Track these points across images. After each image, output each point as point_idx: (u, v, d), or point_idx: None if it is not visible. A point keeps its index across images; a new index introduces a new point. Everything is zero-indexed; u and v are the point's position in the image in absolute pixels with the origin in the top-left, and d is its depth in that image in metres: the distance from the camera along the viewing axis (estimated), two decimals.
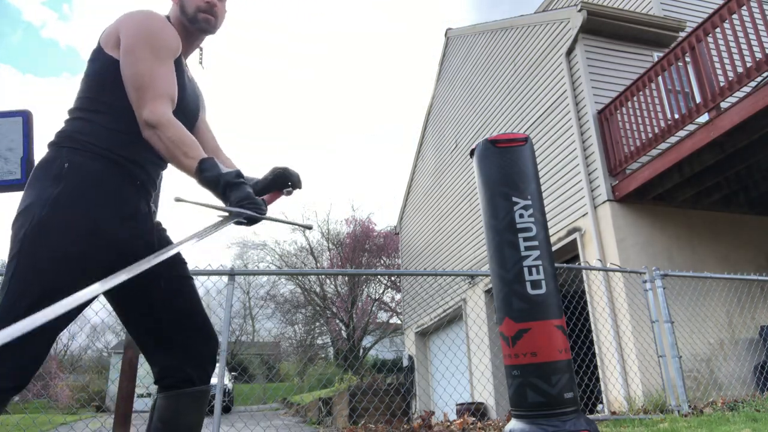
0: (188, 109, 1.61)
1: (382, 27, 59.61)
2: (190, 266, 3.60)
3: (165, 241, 1.60)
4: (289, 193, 1.60)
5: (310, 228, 1.32)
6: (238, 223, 1.34)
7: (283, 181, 1.59)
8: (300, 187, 1.61)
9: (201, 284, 3.66)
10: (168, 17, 1.62)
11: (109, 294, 1.51)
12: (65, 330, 1.52)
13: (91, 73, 1.49)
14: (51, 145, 1.45)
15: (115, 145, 1.43)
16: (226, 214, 1.34)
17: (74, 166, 1.37)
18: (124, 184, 1.44)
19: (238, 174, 1.37)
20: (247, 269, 18.29)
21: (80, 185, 1.33)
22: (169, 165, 1.68)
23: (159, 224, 1.62)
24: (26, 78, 58.12)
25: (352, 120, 54.39)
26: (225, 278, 3.65)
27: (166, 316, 1.52)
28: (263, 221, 1.38)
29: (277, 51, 56.76)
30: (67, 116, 1.50)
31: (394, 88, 57.53)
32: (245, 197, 1.32)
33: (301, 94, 56.83)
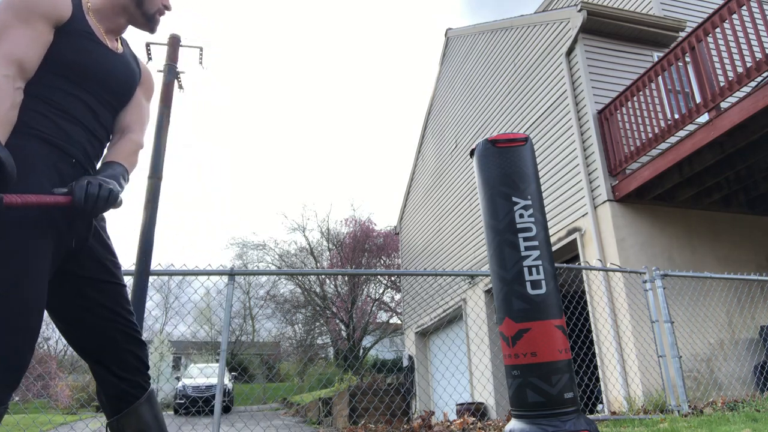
0: (111, 83, 1.57)
1: (382, 27, 59.64)
2: (190, 266, 3.58)
3: (100, 229, 1.58)
4: (74, 205, 1.36)
5: None
6: None
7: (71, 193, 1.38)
8: (79, 208, 1.34)
9: (201, 284, 3.66)
10: None
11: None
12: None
13: None
14: None
15: (41, 125, 1.40)
16: None
17: (10, 148, 1.32)
18: (58, 163, 1.41)
19: None
20: (247, 269, 18.28)
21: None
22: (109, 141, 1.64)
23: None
24: None
25: (352, 120, 54.43)
26: (225, 278, 3.65)
27: (92, 324, 1.51)
28: None
29: (277, 51, 56.79)
30: None
31: (394, 88, 57.57)
32: None
33: (301, 94, 56.86)
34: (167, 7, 1.70)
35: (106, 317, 1.51)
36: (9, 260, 1.27)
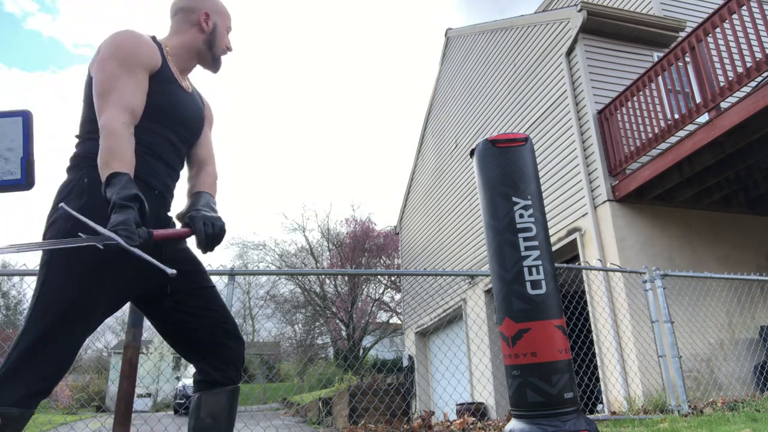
0: (188, 121, 1.71)
1: (382, 27, 59.62)
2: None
3: (178, 252, 1.68)
4: (188, 236, 1.54)
5: (173, 275, 1.33)
6: (108, 245, 1.31)
7: (190, 225, 1.56)
8: (202, 246, 1.52)
9: None
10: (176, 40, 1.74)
11: (139, 308, 1.66)
12: None
13: (87, 98, 1.58)
14: (69, 169, 1.53)
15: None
16: (97, 234, 1.33)
17: (94, 181, 1.43)
18: (144, 195, 1.48)
19: (131, 197, 1.34)
20: (247, 269, 18.26)
21: (102, 197, 1.38)
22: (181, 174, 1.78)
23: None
24: (12, 72, 57.35)
25: (352, 120, 54.42)
26: (225, 278, 3.64)
27: (193, 326, 1.63)
28: (136, 251, 1.31)
29: (277, 51, 56.79)
30: (76, 140, 1.58)
31: (394, 88, 57.55)
32: (120, 222, 1.29)
33: (301, 94, 56.85)
34: (230, 48, 1.85)
35: (207, 317, 1.64)
36: (72, 280, 1.38)
